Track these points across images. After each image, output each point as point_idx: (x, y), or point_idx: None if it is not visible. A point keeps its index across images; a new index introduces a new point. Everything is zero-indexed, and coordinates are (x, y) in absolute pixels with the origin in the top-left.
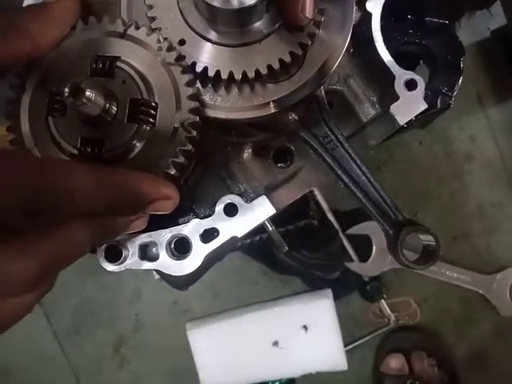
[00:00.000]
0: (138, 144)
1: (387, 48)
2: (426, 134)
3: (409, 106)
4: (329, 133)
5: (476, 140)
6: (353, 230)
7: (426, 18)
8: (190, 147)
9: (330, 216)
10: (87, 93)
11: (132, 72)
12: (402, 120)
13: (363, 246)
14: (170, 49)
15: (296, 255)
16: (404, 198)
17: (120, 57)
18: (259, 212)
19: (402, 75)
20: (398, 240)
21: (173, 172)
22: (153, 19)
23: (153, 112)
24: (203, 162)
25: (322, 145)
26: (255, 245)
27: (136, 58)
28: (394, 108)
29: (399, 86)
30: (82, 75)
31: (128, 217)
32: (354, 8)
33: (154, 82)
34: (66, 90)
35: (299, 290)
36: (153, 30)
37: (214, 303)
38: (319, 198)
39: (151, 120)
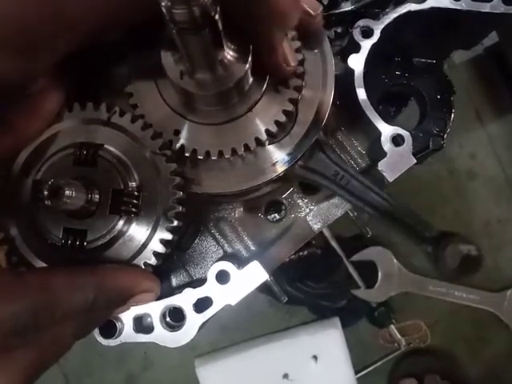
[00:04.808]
0: (121, 232)
1: (375, 91)
2: None
3: (397, 162)
4: (338, 169)
5: (477, 157)
6: (357, 257)
7: (414, 59)
8: (171, 237)
9: (334, 243)
10: (67, 192)
11: (115, 161)
12: (390, 177)
13: (369, 272)
14: (154, 137)
15: (301, 287)
16: None
17: (103, 145)
18: (252, 278)
19: (388, 131)
20: (440, 257)
21: (154, 263)
22: (136, 106)
23: (135, 201)
24: (195, 222)
25: (336, 183)
26: None
27: (119, 146)
28: (381, 165)
29: (386, 142)
30: (65, 164)
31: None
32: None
33: (137, 171)
34: (45, 192)
35: (306, 319)
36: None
37: (222, 337)
38: None
39: (133, 210)
